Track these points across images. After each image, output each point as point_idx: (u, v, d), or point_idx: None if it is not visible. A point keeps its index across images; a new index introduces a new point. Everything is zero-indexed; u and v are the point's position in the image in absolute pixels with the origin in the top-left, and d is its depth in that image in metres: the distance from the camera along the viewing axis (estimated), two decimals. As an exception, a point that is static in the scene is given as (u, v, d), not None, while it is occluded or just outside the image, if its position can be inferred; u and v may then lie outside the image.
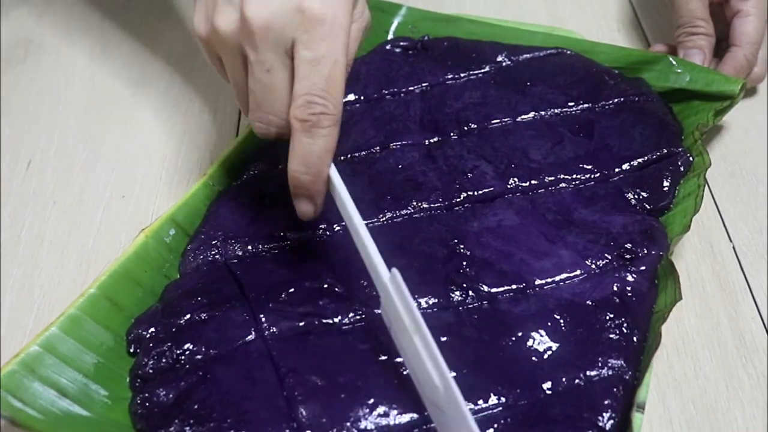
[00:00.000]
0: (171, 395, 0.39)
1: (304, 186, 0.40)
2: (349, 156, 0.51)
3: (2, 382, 0.37)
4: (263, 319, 0.42)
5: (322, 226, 0.47)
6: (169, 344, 0.41)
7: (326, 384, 0.39)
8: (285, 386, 0.39)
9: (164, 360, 0.41)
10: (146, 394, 0.40)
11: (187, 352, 0.41)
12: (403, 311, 0.35)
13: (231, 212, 0.48)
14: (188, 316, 0.42)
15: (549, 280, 0.44)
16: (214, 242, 0.46)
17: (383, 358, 0.40)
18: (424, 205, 0.48)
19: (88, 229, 0.52)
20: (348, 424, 0.38)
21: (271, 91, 0.39)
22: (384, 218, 0.48)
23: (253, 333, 0.41)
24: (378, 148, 0.52)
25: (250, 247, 0.46)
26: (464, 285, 0.43)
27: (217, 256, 0.46)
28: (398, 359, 0.40)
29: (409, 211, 0.48)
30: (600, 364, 0.40)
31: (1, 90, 0.61)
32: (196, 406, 0.38)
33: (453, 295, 0.43)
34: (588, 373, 0.40)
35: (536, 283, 0.44)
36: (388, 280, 0.36)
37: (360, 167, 0.51)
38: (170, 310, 0.43)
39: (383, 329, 0.41)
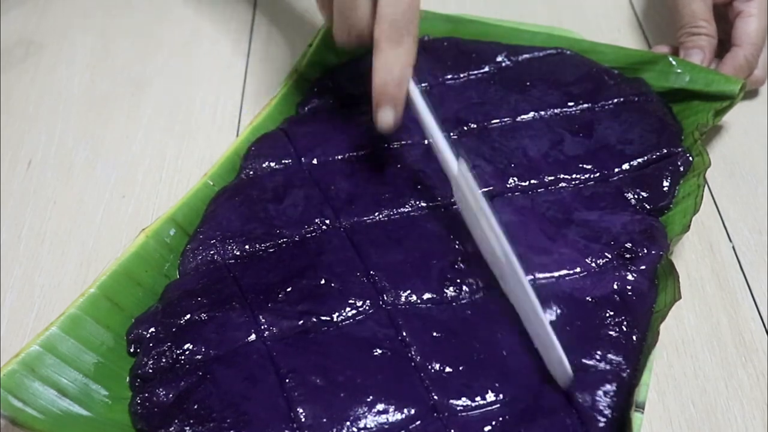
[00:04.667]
0: (171, 395, 0.39)
1: (389, 94, 0.45)
2: (347, 155, 0.51)
3: (2, 382, 0.37)
4: (263, 320, 0.42)
5: (317, 221, 0.47)
6: (169, 344, 0.41)
7: (326, 383, 0.39)
8: (285, 387, 0.39)
9: (164, 360, 0.41)
10: (146, 394, 0.40)
11: (187, 352, 0.41)
12: (470, 197, 0.42)
13: (228, 212, 0.48)
14: (188, 316, 0.42)
15: (548, 274, 0.44)
16: (212, 242, 0.46)
17: (382, 352, 0.40)
18: (422, 204, 0.48)
19: (88, 229, 0.52)
20: (348, 423, 0.38)
21: (357, 8, 0.46)
22: (381, 216, 0.48)
23: (254, 334, 0.41)
24: (377, 147, 0.52)
25: (247, 247, 0.46)
26: (458, 280, 0.44)
27: (216, 257, 0.46)
28: (395, 353, 0.40)
29: (407, 210, 0.48)
30: (597, 358, 0.40)
31: (1, 90, 0.61)
32: (196, 406, 0.39)
33: (447, 291, 0.43)
34: (584, 362, 0.40)
35: (535, 275, 0.44)
36: (457, 172, 0.43)
37: (359, 166, 0.51)
38: (170, 310, 0.43)
39: (380, 322, 0.42)
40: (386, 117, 0.46)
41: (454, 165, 0.43)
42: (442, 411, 0.39)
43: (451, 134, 0.53)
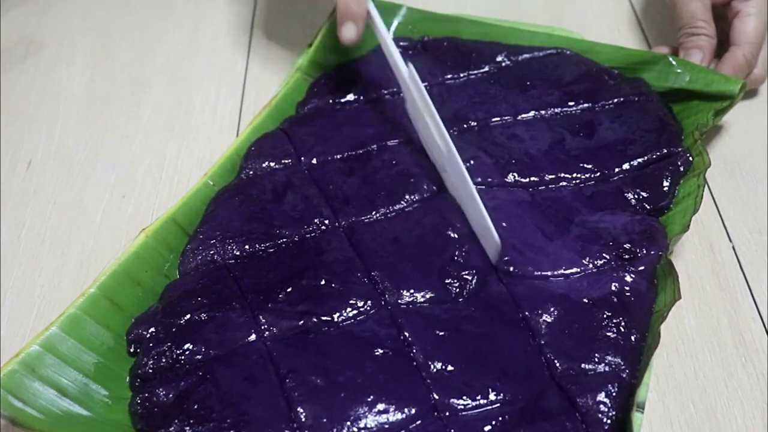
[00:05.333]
0: (171, 395, 0.39)
1: (351, 11, 0.51)
2: (346, 155, 0.51)
3: (3, 382, 0.37)
4: (263, 320, 0.42)
5: (316, 221, 0.47)
6: (169, 344, 0.41)
7: (326, 383, 0.39)
8: (285, 387, 0.39)
9: (164, 360, 0.41)
10: (146, 394, 0.40)
11: (187, 352, 0.41)
12: (418, 98, 0.47)
13: (228, 212, 0.48)
14: (188, 316, 0.42)
15: (542, 273, 0.44)
16: (212, 242, 0.46)
17: (383, 352, 0.40)
18: (417, 197, 0.48)
19: (88, 229, 0.52)
20: (348, 423, 0.38)
21: None
22: (378, 214, 0.48)
23: (254, 334, 0.41)
24: (375, 146, 0.52)
25: (247, 247, 0.46)
26: (459, 274, 0.44)
27: (216, 257, 0.46)
28: (396, 353, 0.40)
29: (402, 206, 0.48)
30: (597, 360, 0.40)
31: (1, 90, 0.61)
32: (196, 406, 0.39)
33: (449, 288, 0.43)
34: (584, 366, 0.40)
35: (529, 270, 0.44)
36: (407, 75, 0.48)
37: (356, 165, 0.51)
38: (170, 310, 0.43)
39: (381, 323, 0.42)
40: (349, 32, 0.52)
41: (404, 69, 0.49)
42: (443, 410, 0.39)
43: (452, 131, 0.53)
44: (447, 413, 0.38)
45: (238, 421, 0.38)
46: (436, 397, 0.39)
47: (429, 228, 0.46)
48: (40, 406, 0.38)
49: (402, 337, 0.41)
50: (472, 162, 0.50)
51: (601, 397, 0.39)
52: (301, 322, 0.42)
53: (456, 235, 0.45)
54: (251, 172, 0.51)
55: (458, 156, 0.45)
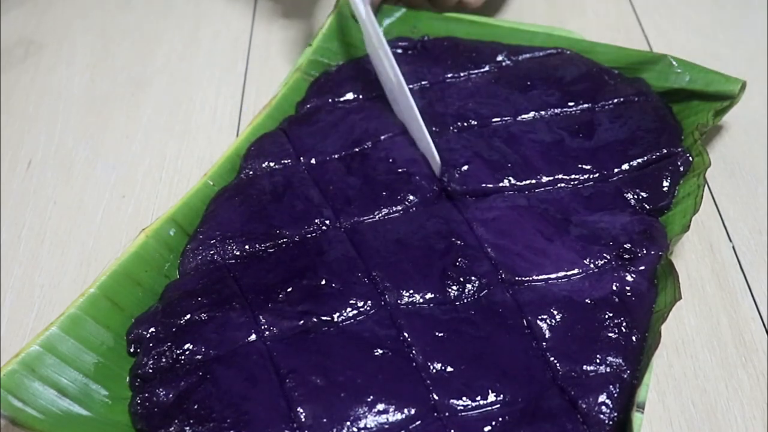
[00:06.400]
0: (171, 395, 0.39)
1: None
2: (346, 155, 0.51)
3: (3, 382, 0.37)
4: (263, 320, 0.42)
5: (317, 221, 0.47)
6: (169, 344, 0.41)
7: (326, 383, 0.39)
8: (285, 387, 0.39)
9: (164, 360, 0.41)
10: (146, 394, 0.40)
11: (187, 352, 0.41)
12: (373, 35, 0.52)
13: (228, 212, 0.48)
14: (188, 316, 0.42)
15: (545, 276, 0.44)
16: (212, 242, 0.46)
17: (382, 352, 0.40)
18: (419, 197, 0.48)
19: (88, 229, 0.52)
20: (348, 423, 0.38)
21: None
22: (380, 215, 0.48)
23: (254, 334, 0.42)
24: (374, 145, 0.52)
25: (247, 247, 0.46)
26: (461, 279, 0.44)
27: (216, 257, 0.46)
28: (396, 353, 0.40)
29: (405, 206, 0.48)
30: (598, 361, 0.40)
31: (1, 90, 0.61)
32: (196, 406, 0.39)
33: (450, 290, 0.43)
34: (585, 368, 0.40)
35: (534, 277, 0.44)
36: (365, 16, 0.52)
37: (356, 164, 0.51)
38: (170, 310, 0.43)
39: (381, 323, 0.42)
40: None
41: (362, 9, 0.53)
42: (443, 411, 0.39)
43: (452, 129, 0.53)
44: (447, 414, 0.38)
45: (238, 421, 0.38)
46: (436, 397, 0.39)
47: (433, 231, 0.46)
48: (40, 406, 0.38)
49: (401, 338, 0.41)
50: (468, 167, 0.50)
51: (603, 398, 0.39)
52: (302, 322, 0.42)
53: (461, 243, 0.45)
54: (251, 172, 0.51)
55: (405, 85, 0.50)
